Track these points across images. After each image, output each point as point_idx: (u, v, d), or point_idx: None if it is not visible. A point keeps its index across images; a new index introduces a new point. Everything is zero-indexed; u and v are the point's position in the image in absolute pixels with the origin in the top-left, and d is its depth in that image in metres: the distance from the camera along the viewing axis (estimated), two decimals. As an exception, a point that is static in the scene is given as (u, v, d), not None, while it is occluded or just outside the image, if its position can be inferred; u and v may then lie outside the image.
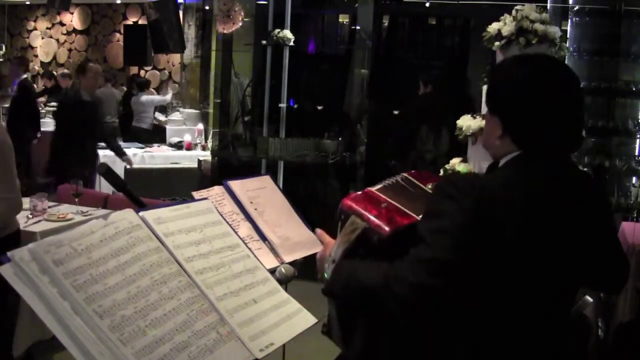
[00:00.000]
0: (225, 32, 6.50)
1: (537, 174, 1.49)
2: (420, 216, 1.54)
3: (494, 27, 3.78)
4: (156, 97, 9.23)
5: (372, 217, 1.57)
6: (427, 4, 6.87)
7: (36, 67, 13.12)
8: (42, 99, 9.79)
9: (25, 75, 7.86)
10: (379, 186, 1.73)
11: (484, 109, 3.86)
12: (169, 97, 9.44)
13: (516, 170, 1.50)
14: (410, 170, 1.87)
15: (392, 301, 1.36)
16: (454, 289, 1.35)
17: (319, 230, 1.77)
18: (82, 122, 5.91)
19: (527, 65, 1.55)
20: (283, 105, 6.27)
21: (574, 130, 1.55)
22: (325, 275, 1.61)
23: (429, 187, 1.79)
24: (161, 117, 9.08)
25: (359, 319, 1.59)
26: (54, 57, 12.95)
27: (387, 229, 1.53)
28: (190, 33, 10.05)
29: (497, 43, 3.76)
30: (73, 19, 12.67)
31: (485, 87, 3.87)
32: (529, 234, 1.43)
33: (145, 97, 8.95)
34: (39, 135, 7.68)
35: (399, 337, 1.52)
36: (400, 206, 1.62)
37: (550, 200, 1.47)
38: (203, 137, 8.01)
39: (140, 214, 1.55)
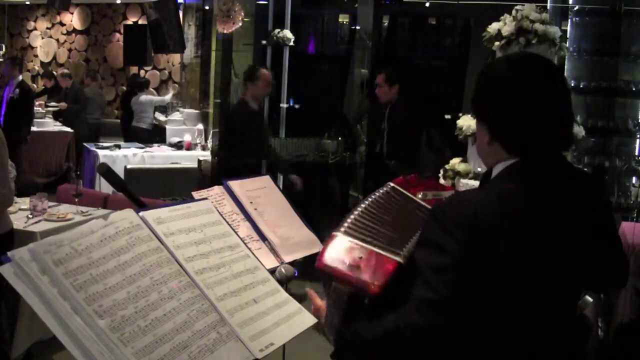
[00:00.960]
0: (225, 32, 6.50)
1: (533, 184, 1.44)
2: (405, 251, 1.48)
3: (494, 27, 3.78)
4: (155, 98, 9.23)
5: (353, 278, 1.44)
6: (427, 4, 6.87)
7: (36, 67, 13.11)
8: (41, 100, 9.79)
9: (21, 77, 7.81)
10: (351, 219, 1.58)
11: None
12: (168, 97, 9.42)
13: (511, 182, 1.45)
14: (397, 178, 1.79)
15: (407, 346, 1.37)
16: (463, 319, 1.36)
17: (310, 293, 1.75)
18: (251, 135, 5.11)
19: (508, 65, 1.51)
20: (283, 105, 6.27)
21: (563, 128, 1.50)
22: (327, 335, 1.59)
23: (419, 196, 1.72)
24: (161, 117, 9.07)
25: None
26: (54, 57, 12.94)
27: (375, 288, 1.43)
28: (190, 33, 10.04)
29: (497, 43, 3.76)
30: (73, 19, 12.66)
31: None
32: (529, 248, 1.41)
33: (144, 97, 8.95)
34: (28, 138, 7.61)
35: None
36: (378, 250, 1.48)
37: (549, 209, 1.44)
38: (203, 137, 8.00)
39: (140, 214, 1.55)
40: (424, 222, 1.48)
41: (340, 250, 1.49)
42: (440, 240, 1.39)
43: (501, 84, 1.47)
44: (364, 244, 1.49)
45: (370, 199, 1.66)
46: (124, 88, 11.95)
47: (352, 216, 1.58)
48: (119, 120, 11.09)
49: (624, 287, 2.13)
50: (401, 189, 1.73)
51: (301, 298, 1.79)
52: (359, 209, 1.61)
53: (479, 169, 3.78)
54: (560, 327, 1.51)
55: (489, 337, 1.44)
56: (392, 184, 1.74)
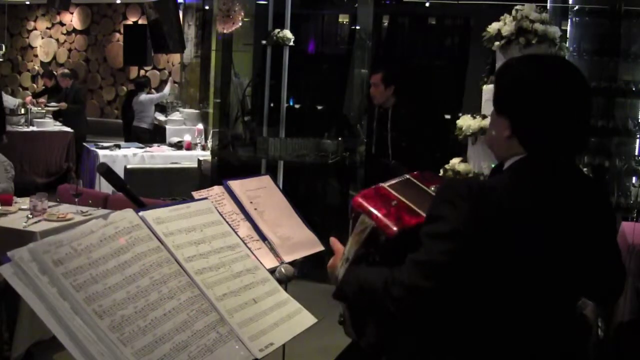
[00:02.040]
0: (225, 32, 6.49)
1: (544, 180, 1.48)
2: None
3: (494, 27, 3.79)
4: (154, 95, 9.22)
5: (380, 216, 1.56)
6: (427, 4, 6.87)
7: (36, 67, 13.12)
8: (42, 100, 9.80)
9: None
10: (391, 182, 1.73)
11: (484, 110, 3.86)
12: (167, 90, 9.39)
13: (522, 175, 1.48)
14: (413, 172, 1.85)
15: (389, 302, 1.40)
16: (449, 292, 1.37)
17: (332, 239, 1.75)
18: None
19: (540, 66, 1.53)
20: (283, 105, 6.26)
21: (581, 132, 1.54)
22: (337, 273, 1.62)
23: (432, 189, 1.78)
24: (161, 117, 9.07)
25: (370, 316, 1.60)
26: (54, 57, 12.95)
27: (394, 229, 1.53)
28: (190, 33, 10.04)
29: (497, 43, 3.76)
30: (73, 19, 12.66)
31: (485, 88, 3.88)
32: (531, 240, 1.42)
33: (144, 97, 8.96)
34: (5, 139, 7.55)
35: (410, 331, 1.54)
36: (410, 204, 1.61)
37: (556, 208, 1.46)
38: (203, 137, 8.00)
39: (140, 214, 1.55)
40: (432, 201, 1.55)
41: (380, 193, 1.64)
42: (441, 211, 1.43)
43: (532, 85, 1.49)
44: (400, 197, 1.63)
45: (394, 180, 1.75)
46: (124, 88, 11.97)
47: (387, 183, 1.71)
48: (118, 120, 11.12)
49: (616, 300, 2.16)
50: (416, 181, 1.80)
51: (301, 298, 1.79)
52: (388, 182, 1.72)
53: (483, 165, 3.78)
54: (553, 321, 1.51)
55: (475, 322, 1.45)
56: (408, 176, 1.81)
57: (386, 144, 5.45)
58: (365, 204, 1.60)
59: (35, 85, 13.16)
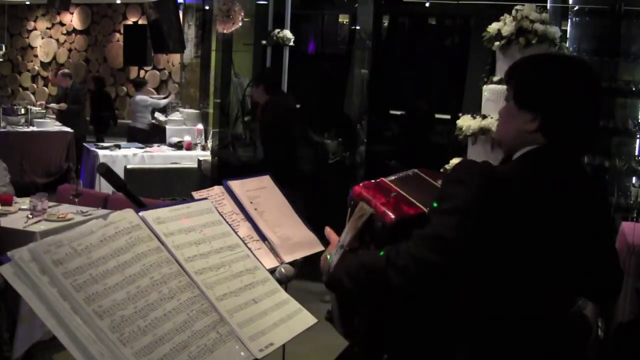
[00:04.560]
0: (225, 32, 6.50)
1: (557, 171, 1.52)
2: (428, 209, 1.56)
3: (494, 27, 3.79)
4: (149, 99, 9.19)
5: (379, 204, 1.57)
6: (427, 4, 6.87)
7: (36, 67, 13.12)
8: (41, 100, 9.77)
9: None
10: (392, 177, 1.74)
11: (484, 110, 3.86)
12: (163, 102, 9.37)
13: (533, 165, 1.52)
14: (422, 168, 1.88)
15: (393, 274, 1.38)
16: (456, 267, 1.36)
17: (327, 229, 1.76)
18: None
19: (564, 62, 1.61)
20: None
21: (596, 129, 1.62)
22: (329, 257, 1.62)
23: (439, 182, 1.79)
24: (161, 117, 9.08)
25: (360, 307, 1.60)
26: (54, 57, 12.95)
27: (392, 216, 1.54)
28: (190, 33, 10.04)
29: (497, 43, 3.77)
30: (73, 19, 12.67)
31: (485, 88, 3.88)
32: (536, 228, 1.44)
33: (138, 97, 9.00)
34: None
35: (400, 323, 1.54)
36: (408, 197, 1.63)
37: (564, 199, 1.49)
38: (203, 137, 8.01)
39: (140, 214, 1.55)
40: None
41: (380, 185, 1.65)
42: (451, 190, 1.44)
43: (563, 78, 1.54)
44: (400, 190, 1.64)
45: (397, 175, 1.77)
46: (125, 88, 11.98)
47: (390, 178, 1.72)
48: (118, 121, 11.10)
49: (614, 300, 2.19)
50: (424, 176, 1.82)
51: (301, 298, 1.79)
52: (391, 176, 1.73)
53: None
54: (551, 323, 1.52)
55: (480, 321, 1.46)
56: (417, 170, 1.83)
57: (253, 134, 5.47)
58: (365, 193, 1.62)
59: (35, 86, 13.17)
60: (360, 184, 1.66)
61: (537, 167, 1.51)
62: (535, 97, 1.56)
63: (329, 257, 1.63)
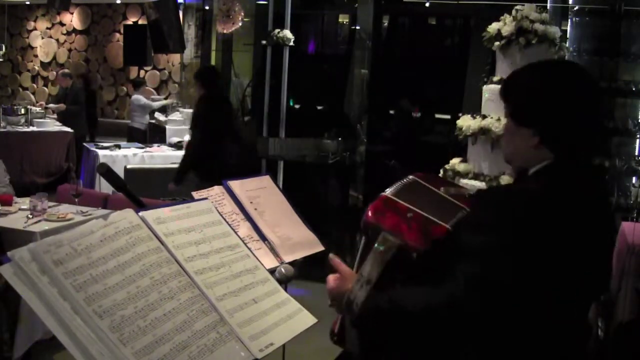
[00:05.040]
0: (225, 32, 6.50)
1: (576, 185, 1.50)
2: (451, 223, 1.52)
3: (494, 27, 3.79)
4: (142, 100, 9.18)
5: (405, 233, 1.49)
6: (427, 4, 6.87)
7: (36, 67, 13.11)
8: (41, 102, 9.77)
9: None
10: (393, 190, 1.65)
11: (484, 110, 3.86)
12: (156, 104, 9.34)
13: (553, 181, 1.50)
14: (416, 172, 1.81)
15: (458, 321, 1.37)
16: (508, 304, 1.38)
17: (335, 259, 1.66)
18: None
19: (554, 72, 1.58)
20: (283, 105, 6.26)
21: (600, 132, 1.62)
22: (352, 297, 1.50)
23: (442, 190, 1.73)
24: (161, 117, 9.08)
25: (387, 344, 1.53)
26: (54, 57, 12.94)
27: (424, 244, 1.47)
28: (190, 33, 10.04)
29: (497, 43, 3.77)
30: (73, 19, 12.66)
31: (485, 88, 3.88)
32: (567, 245, 1.44)
33: (134, 97, 9.04)
34: None
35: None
36: (426, 214, 1.55)
37: (583, 215, 1.48)
38: (203, 137, 7.99)
39: (140, 214, 1.55)
40: (472, 205, 1.53)
41: (390, 206, 1.54)
42: (492, 221, 1.41)
43: (556, 90, 1.52)
44: (413, 207, 1.54)
45: (396, 186, 1.69)
46: (125, 88, 11.98)
47: (391, 190, 1.63)
48: (118, 120, 11.12)
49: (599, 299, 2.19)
50: (423, 182, 1.76)
51: (301, 298, 1.79)
52: (392, 189, 1.65)
53: (483, 165, 3.78)
54: (573, 333, 1.52)
55: (501, 331, 1.44)
56: (413, 177, 1.77)
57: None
58: (382, 221, 1.52)
59: (35, 86, 13.16)
60: (371, 210, 1.55)
61: (559, 185, 1.48)
62: (530, 114, 1.54)
63: (354, 289, 1.51)
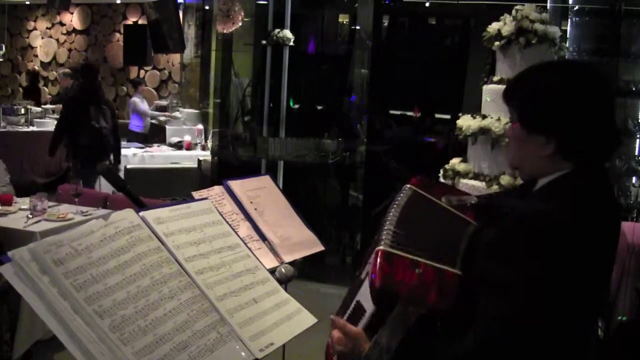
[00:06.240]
0: (225, 32, 6.49)
1: (600, 200, 1.41)
2: (458, 261, 1.41)
3: (494, 27, 3.79)
4: (140, 105, 9.14)
5: (427, 301, 1.36)
6: (427, 4, 6.87)
7: (36, 67, 13.11)
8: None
9: None
10: (391, 218, 1.49)
11: (484, 110, 3.86)
12: (150, 113, 9.26)
13: (578, 199, 1.38)
14: (412, 179, 1.67)
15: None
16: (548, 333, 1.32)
17: (339, 322, 1.51)
18: None
19: (573, 73, 1.45)
20: (283, 105, 6.26)
21: (618, 139, 1.49)
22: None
23: (442, 200, 1.62)
24: (161, 117, 9.09)
25: None
26: (54, 57, 12.94)
27: (446, 306, 1.36)
28: (190, 33, 10.03)
29: (497, 43, 3.77)
30: (73, 19, 12.65)
31: (485, 88, 3.88)
32: (599, 266, 1.38)
33: (133, 100, 9.09)
34: None
35: None
36: (436, 264, 1.40)
37: (611, 229, 1.42)
38: (203, 137, 8.01)
39: (141, 214, 1.55)
40: (499, 235, 1.39)
41: (395, 267, 1.38)
42: (526, 254, 1.31)
43: (573, 95, 1.40)
44: (416, 258, 1.40)
45: (395, 206, 1.55)
46: (125, 88, 11.98)
47: (387, 227, 1.47)
48: (118, 120, 11.07)
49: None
50: (423, 192, 1.63)
51: (301, 298, 1.79)
52: (391, 217, 1.50)
53: (483, 165, 3.78)
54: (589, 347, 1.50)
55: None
56: (410, 186, 1.63)
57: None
58: (397, 288, 1.36)
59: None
60: (377, 271, 1.37)
61: (582, 206, 1.37)
62: (544, 120, 1.42)
63: (371, 357, 1.40)
